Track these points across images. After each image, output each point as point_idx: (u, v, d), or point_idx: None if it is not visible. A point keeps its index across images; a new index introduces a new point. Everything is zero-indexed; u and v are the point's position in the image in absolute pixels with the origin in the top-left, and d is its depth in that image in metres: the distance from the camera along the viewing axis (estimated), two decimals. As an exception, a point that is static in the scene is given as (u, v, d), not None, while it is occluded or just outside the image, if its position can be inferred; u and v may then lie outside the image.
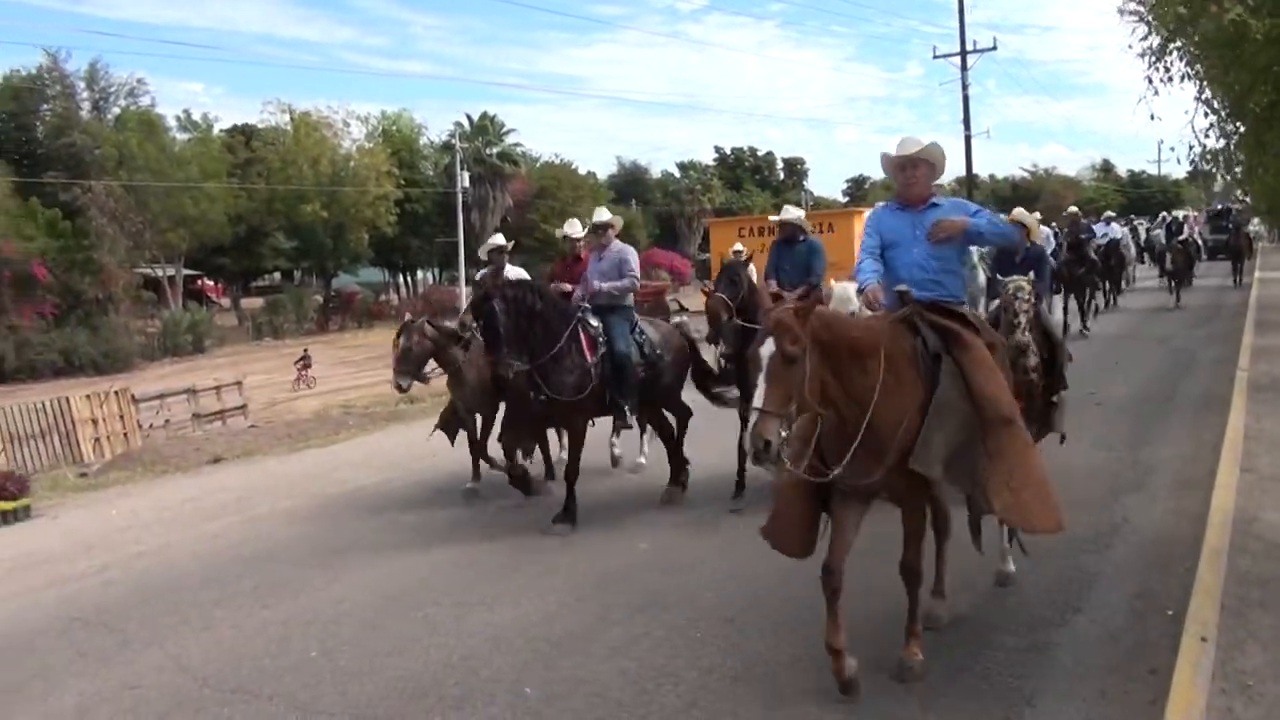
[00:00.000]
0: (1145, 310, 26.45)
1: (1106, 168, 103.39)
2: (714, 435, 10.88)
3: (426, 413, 15.81)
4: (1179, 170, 66.15)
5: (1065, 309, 21.52)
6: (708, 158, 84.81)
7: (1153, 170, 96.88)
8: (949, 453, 5.68)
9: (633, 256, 10.69)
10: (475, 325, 9.62)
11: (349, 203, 57.41)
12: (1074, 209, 25.01)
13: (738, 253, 14.66)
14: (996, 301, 9.15)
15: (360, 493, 12.00)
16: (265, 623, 7.69)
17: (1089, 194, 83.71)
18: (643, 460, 11.92)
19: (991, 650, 6.21)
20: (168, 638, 7.53)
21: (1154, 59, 12.15)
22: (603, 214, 11.04)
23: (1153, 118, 12.31)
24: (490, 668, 6.50)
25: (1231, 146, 13.05)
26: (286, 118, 60.71)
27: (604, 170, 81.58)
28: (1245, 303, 25.56)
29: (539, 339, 9.44)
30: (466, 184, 58.82)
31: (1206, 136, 12.78)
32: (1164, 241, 32.81)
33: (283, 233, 58.81)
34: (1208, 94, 12.53)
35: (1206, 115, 12.64)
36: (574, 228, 11.89)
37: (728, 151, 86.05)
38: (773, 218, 12.53)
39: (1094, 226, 26.68)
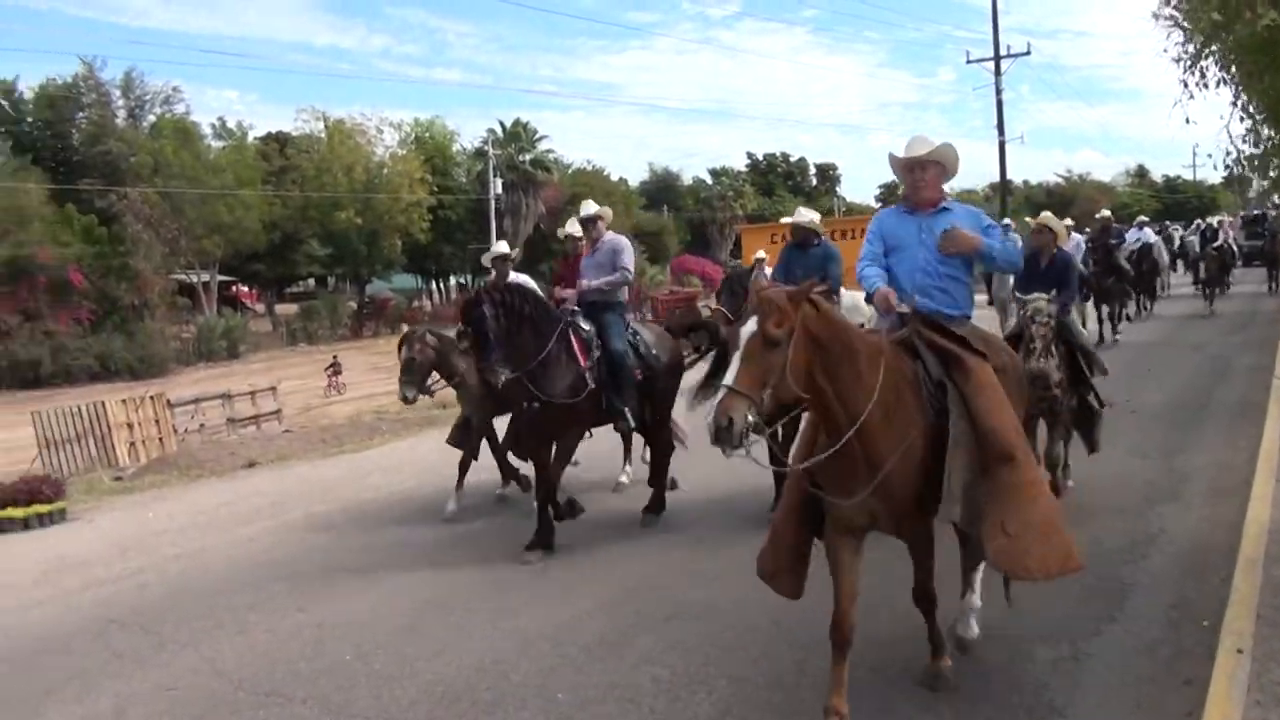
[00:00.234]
0: (1180, 317, 26.18)
1: (1141, 173, 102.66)
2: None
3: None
4: (1214, 176, 65.63)
5: (1100, 319, 21.30)
6: (740, 164, 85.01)
7: (1188, 175, 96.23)
8: (963, 491, 5.33)
9: (627, 248, 10.27)
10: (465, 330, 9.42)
11: (382, 209, 57.65)
12: (1105, 214, 24.38)
13: (759, 260, 14.54)
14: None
15: (393, 498, 12.05)
16: (299, 626, 7.73)
17: (1123, 200, 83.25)
18: (625, 479, 11.54)
19: (1026, 660, 6.16)
20: (203, 640, 7.58)
21: (1189, 64, 12.05)
22: (590, 206, 10.63)
23: (1188, 122, 12.18)
24: (521, 672, 6.51)
25: (1268, 151, 12.93)
26: (321, 125, 61.15)
27: (636, 177, 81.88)
28: (1281, 309, 25.26)
29: (529, 344, 9.08)
30: (499, 191, 59.03)
31: (1243, 141, 12.67)
32: (1198, 248, 32.45)
33: (317, 239, 59.11)
34: (1244, 99, 12.42)
35: (1242, 120, 12.52)
36: (576, 226, 11.44)
37: (760, 158, 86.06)
38: (784, 219, 12.29)
39: (1125, 233, 26.22)
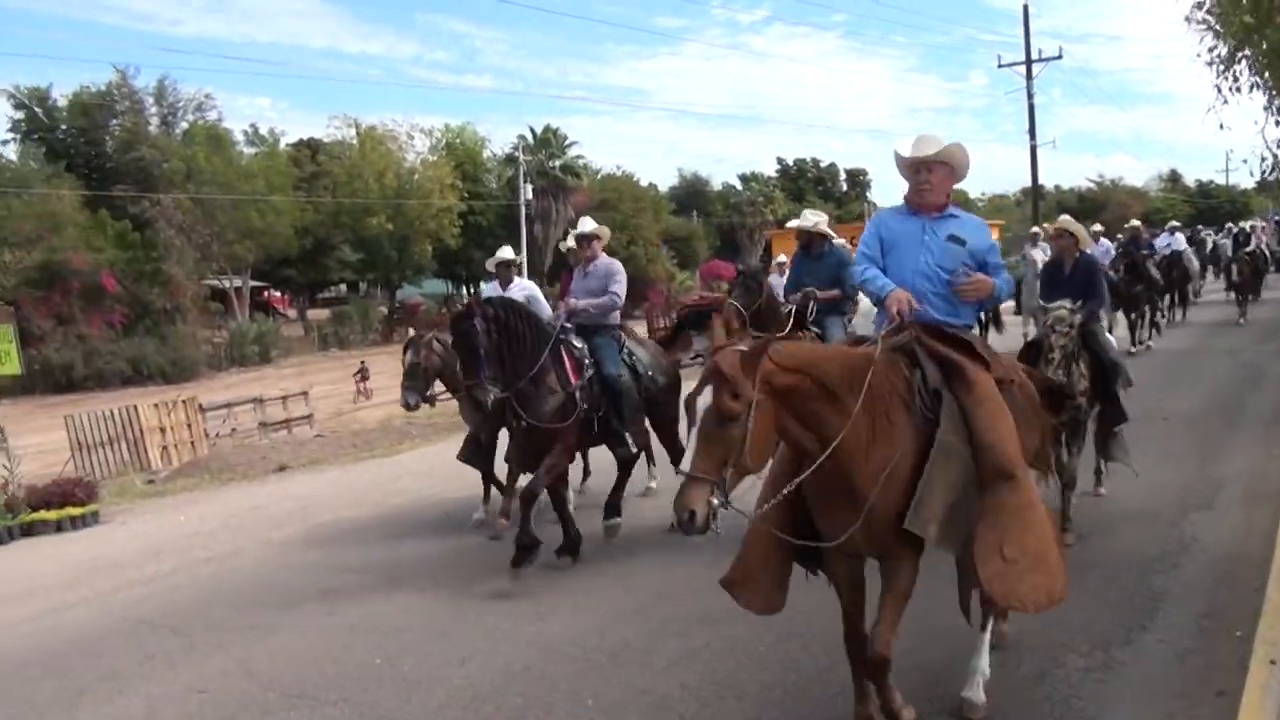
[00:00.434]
0: (1211, 324, 25.89)
1: (1174, 178, 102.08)
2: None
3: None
4: (1248, 180, 65.15)
5: (1131, 326, 21.09)
6: (770, 169, 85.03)
7: (1221, 180, 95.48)
8: (946, 510, 4.88)
9: (619, 273, 9.75)
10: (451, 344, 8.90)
11: (413, 215, 57.86)
12: (1136, 223, 24.06)
13: (780, 264, 14.40)
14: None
15: (423, 502, 12.06)
16: (329, 629, 7.76)
17: (1156, 204, 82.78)
18: (653, 484, 11.07)
19: (1058, 669, 6.10)
20: (233, 642, 7.62)
21: (1222, 68, 12.01)
22: (587, 224, 10.13)
23: (1221, 127, 12.16)
24: (549, 678, 6.51)
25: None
26: (352, 131, 61.50)
27: (665, 182, 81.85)
28: (1316, 316, 25.01)
29: (519, 361, 8.59)
30: (529, 196, 59.09)
31: (1278, 146, 12.60)
32: (1230, 253, 32.09)
33: (348, 245, 59.46)
34: (1278, 103, 12.35)
35: (1278, 124, 12.45)
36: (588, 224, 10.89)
37: (790, 163, 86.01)
38: (791, 223, 11.73)
39: (1155, 240, 25.62)
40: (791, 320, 9.94)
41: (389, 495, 12.63)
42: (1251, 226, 39.57)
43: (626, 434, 9.36)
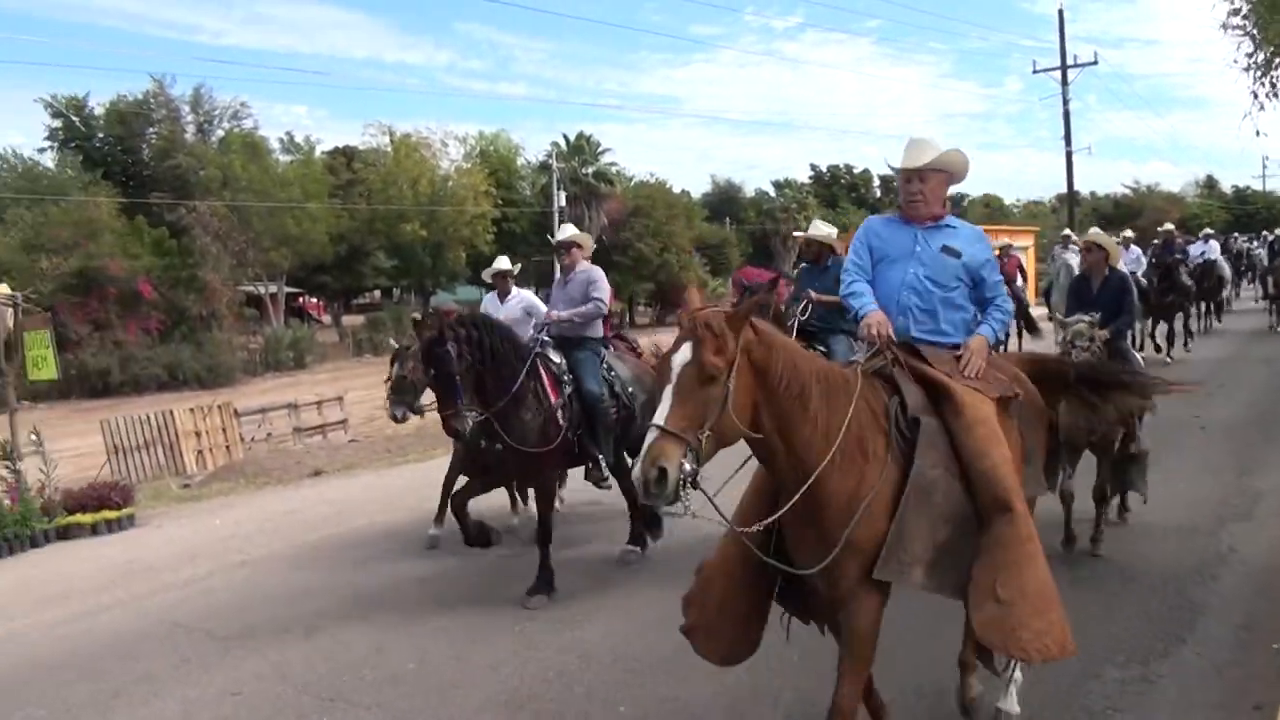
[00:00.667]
0: (1247, 332, 25.66)
1: (1210, 184, 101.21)
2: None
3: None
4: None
5: (1153, 335, 20.89)
6: (803, 175, 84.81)
7: (1257, 186, 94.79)
8: (933, 550, 4.44)
9: (601, 280, 9.37)
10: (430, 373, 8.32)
11: (447, 222, 58.05)
12: (1169, 227, 23.76)
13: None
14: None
15: (456, 508, 12.06)
16: (363, 633, 7.77)
17: (1193, 210, 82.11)
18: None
19: (1095, 680, 6.05)
20: (268, 646, 7.65)
21: (1259, 73, 11.90)
22: (567, 230, 9.81)
23: (1258, 134, 12.03)
24: (584, 684, 6.51)
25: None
26: (387, 139, 61.74)
27: (698, 189, 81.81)
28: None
29: (498, 381, 8.23)
30: (563, 203, 59.23)
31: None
32: (1266, 261, 31.71)
33: (383, 251, 59.69)
34: (1316, 109, 12.22)
35: (1315, 130, 12.32)
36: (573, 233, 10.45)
37: (823, 169, 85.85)
38: (797, 234, 11.40)
39: (1189, 247, 25.25)
40: (794, 336, 9.47)
41: (423, 500, 12.60)
42: (1288, 233, 39.14)
43: (600, 455, 8.94)
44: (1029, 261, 38.27)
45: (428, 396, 8.88)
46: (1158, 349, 20.31)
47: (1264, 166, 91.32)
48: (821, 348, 9.26)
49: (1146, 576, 7.74)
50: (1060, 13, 44.58)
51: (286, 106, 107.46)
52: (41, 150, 54.08)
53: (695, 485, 4.04)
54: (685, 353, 4.12)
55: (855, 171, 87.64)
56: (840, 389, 4.50)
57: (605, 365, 9.28)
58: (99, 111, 55.35)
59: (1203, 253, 25.04)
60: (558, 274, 9.73)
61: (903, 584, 4.43)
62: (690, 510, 4.10)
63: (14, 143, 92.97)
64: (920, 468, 4.48)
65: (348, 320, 64.89)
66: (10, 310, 13.15)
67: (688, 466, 3.97)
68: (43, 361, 13.38)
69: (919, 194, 5.27)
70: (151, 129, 54.30)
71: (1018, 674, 5.42)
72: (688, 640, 5.08)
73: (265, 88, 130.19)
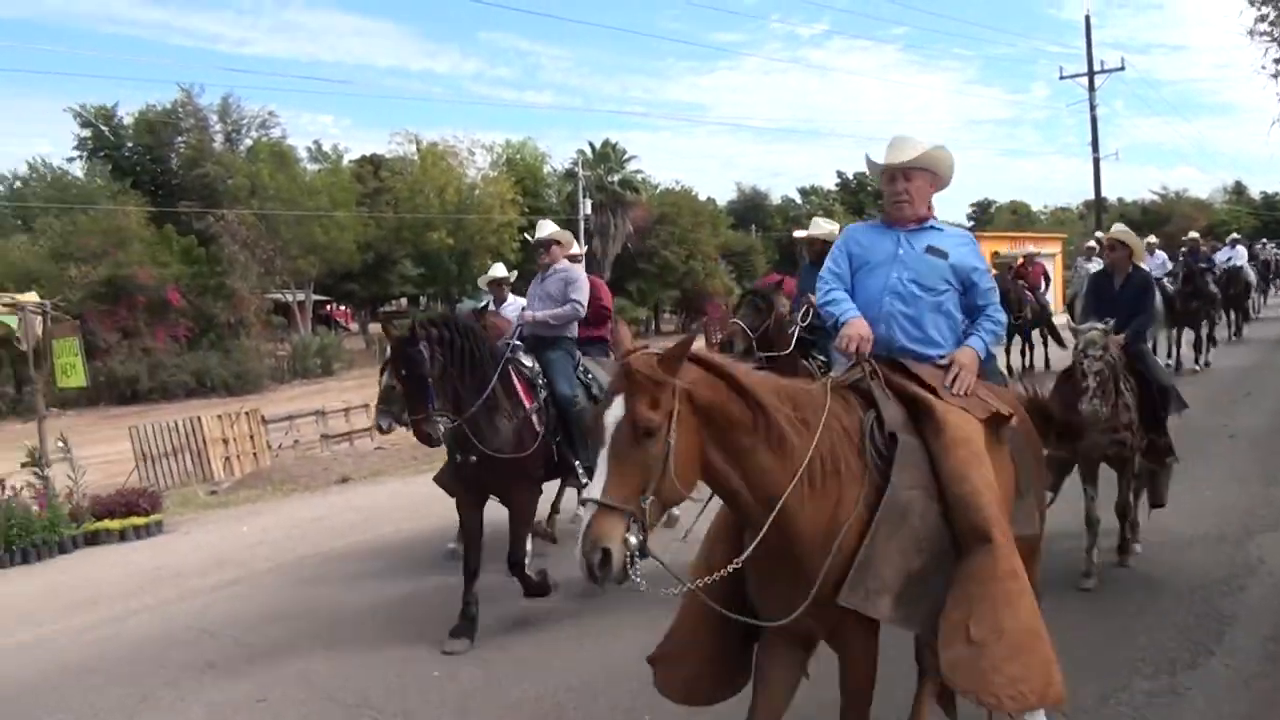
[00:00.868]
0: (1273, 340, 25.37)
1: (1238, 190, 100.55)
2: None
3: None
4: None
5: (1179, 343, 20.69)
6: (829, 183, 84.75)
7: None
8: (904, 579, 4.02)
9: (580, 279, 9.06)
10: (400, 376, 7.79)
11: (474, 230, 58.12)
12: (1194, 235, 23.46)
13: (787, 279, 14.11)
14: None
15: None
16: (390, 640, 7.79)
17: (1221, 217, 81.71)
18: (675, 511, 10.41)
19: (1123, 692, 5.99)
20: (295, 652, 7.68)
21: (1286, 80, 11.81)
22: (546, 228, 9.41)
23: (1286, 139, 11.92)
24: (608, 694, 6.48)
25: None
26: (413, 148, 61.93)
27: (724, 196, 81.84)
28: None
29: (469, 387, 7.77)
30: (588, 211, 59.25)
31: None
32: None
33: (410, 259, 59.81)
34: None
35: (1342, 136, 12.25)
36: (573, 245, 10.41)
37: (849, 176, 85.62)
38: (799, 233, 10.93)
39: (1215, 254, 24.95)
40: (794, 345, 9.30)
41: (450, 508, 12.48)
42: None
43: (578, 463, 8.41)
44: (1056, 269, 38.06)
45: None
46: (1179, 364, 19.99)
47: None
48: (822, 356, 9.17)
49: (1173, 586, 7.67)
50: (1087, 18, 44.44)
51: (313, 115, 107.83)
52: (71, 160, 54.66)
53: (644, 555, 3.66)
54: (617, 408, 3.65)
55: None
56: (809, 408, 4.10)
57: (581, 368, 9.01)
58: (128, 121, 55.75)
59: (1229, 259, 24.75)
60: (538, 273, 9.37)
61: (868, 613, 4.00)
62: (642, 583, 3.68)
63: (43, 152, 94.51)
64: (895, 487, 4.08)
65: (374, 328, 65.08)
66: (39, 318, 13.26)
67: (633, 540, 3.57)
68: (71, 369, 13.47)
69: (904, 193, 4.92)
70: (180, 138, 54.57)
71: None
72: (652, 668, 4.73)
73: (292, 97, 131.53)
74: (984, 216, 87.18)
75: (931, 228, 4.98)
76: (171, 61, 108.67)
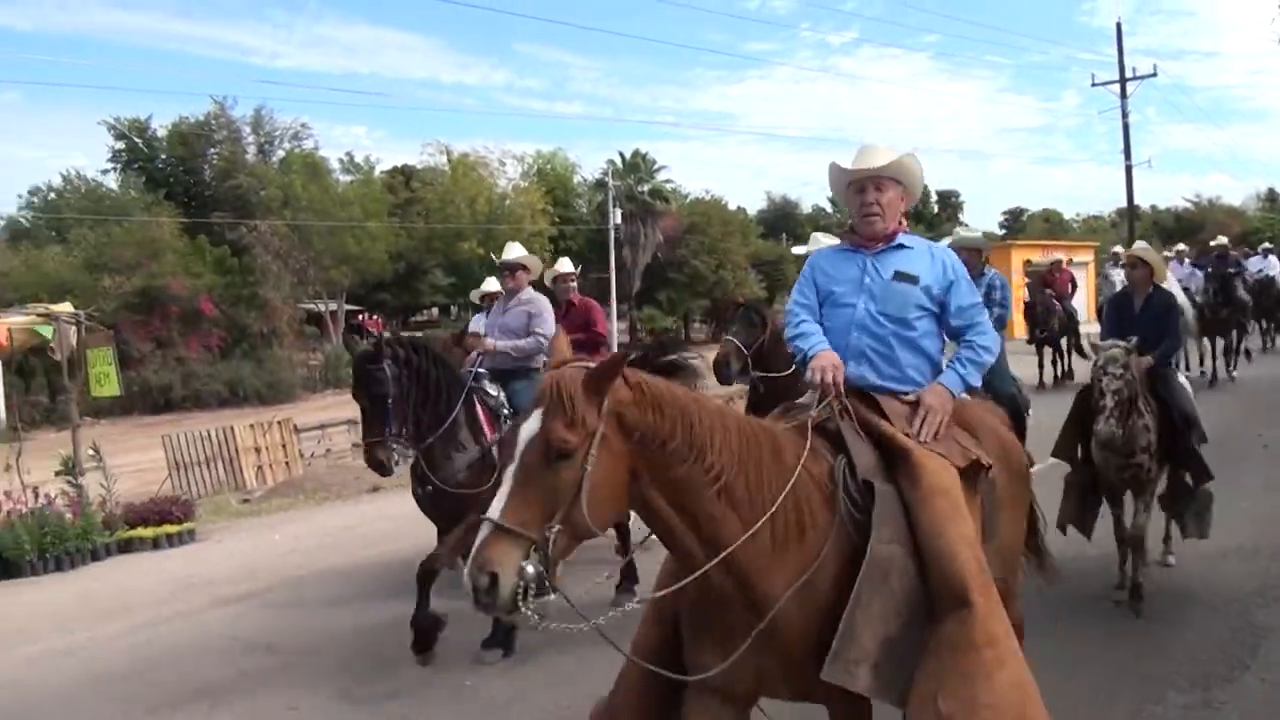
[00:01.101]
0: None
1: (1272, 197, 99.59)
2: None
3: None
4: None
5: (1214, 353, 20.41)
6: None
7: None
8: (882, 646, 3.55)
9: (545, 311, 8.61)
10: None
11: (505, 240, 57.80)
12: (1222, 240, 23.07)
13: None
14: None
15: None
16: (420, 649, 7.77)
17: (1255, 224, 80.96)
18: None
19: (1156, 705, 5.93)
20: (326, 661, 7.72)
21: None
22: (513, 251, 9.06)
23: (1318, 148, 11.75)
24: (637, 703, 6.47)
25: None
26: (445, 159, 62.16)
27: (754, 205, 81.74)
28: None
29: (431, 414, 7.47)
30: (619, 221, 59.22)
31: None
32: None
33: (441, 269, 59.95)
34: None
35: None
36: (565, 265, 10.37)
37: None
38: (796, 249, 10.57)
39: (1247, 262, 24.20)
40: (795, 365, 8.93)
41: (479, 516, 12.67)
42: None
43: None
44: (1088, 278, 37.79)
45: None
46: (1214, 376, 19.79)
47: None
48: None
49: (1208, 599, 7.59)
50: (1119, 25, 44.17)
51: (346, 127, 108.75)
52: (105, 171, 55.18)
53: (546, 590, 3.25)
54: (533, 423, 3.29)
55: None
56: (767, 448, 3.68)
57: None
58: (161, 133, 56.12)
59: (1260, 270, 24.32)
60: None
61: (848, 687, 3.53)
62: (543, 623, 3.32)
63: (78, 164, 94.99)
64: (877, 542, 3.64)
65: (406, 337, 65.35)
66: (73, 328, 13.37)
67: (530, 570, 3.18)
68: (105, 378, 13.58)
69: (875, 205, 4.47)
70: (213, 150, 54.96)
71: None
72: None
73: (324, 109, 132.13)
74: (1016, 225, 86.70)
75: (900, 246, 4.53)
76: (205, 74, 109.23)
